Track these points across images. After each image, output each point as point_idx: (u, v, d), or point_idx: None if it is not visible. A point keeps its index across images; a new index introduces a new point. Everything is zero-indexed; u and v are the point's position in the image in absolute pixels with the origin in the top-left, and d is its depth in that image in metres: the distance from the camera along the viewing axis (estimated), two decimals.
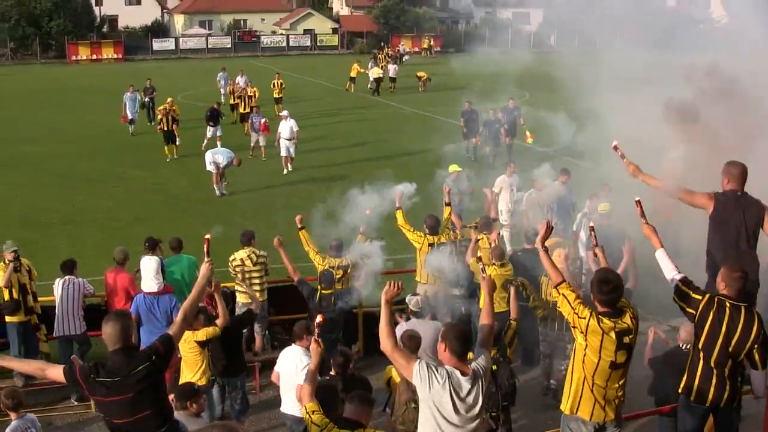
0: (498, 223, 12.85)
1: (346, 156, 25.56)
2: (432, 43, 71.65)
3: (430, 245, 10.53)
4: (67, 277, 10.47)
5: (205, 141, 25.70)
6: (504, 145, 23.41)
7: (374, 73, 42.60)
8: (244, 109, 29.19)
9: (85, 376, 5.19)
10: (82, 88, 46.60)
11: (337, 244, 10.42)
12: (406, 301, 8.99)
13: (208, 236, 6.19)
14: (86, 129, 31.43)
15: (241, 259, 10.82)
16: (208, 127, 26.08)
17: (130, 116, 29.65)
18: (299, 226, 10.46)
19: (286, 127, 23.38)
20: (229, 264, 10.88)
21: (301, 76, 50.45)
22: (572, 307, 5.92)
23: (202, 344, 8.56)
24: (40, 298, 10.75)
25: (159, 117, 25.73)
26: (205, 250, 6.05)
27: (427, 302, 9.22)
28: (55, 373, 5.37)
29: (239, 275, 10.77)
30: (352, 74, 43.40)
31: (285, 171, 23.29)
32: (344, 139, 28.76)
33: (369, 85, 42.59)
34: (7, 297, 10.02)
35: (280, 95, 33.77)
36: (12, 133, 30.06)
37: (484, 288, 5.91)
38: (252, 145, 25.37)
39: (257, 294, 10.52)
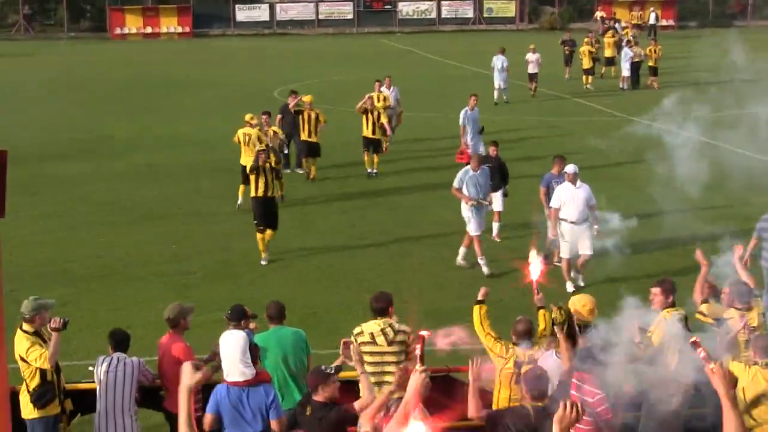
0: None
1: None
2: (658, 13, 70.07)
3: None
4: (115, 355, 10.83)
5: None
6: None
7: (635, 53, 43.01)
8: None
9: None
10: (133, 78, 48.97)
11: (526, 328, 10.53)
12: None
13: (424, 333, 6.47)
14: (143, 139, 32.90)
15: (371, 334, 10.91)
16: None
17: None
18: (479, 298, 11.00)
19: None
20: (353, 339, 10.79)
21: (462, 65, 51.28)
22: None
23: None
24: (68, 385, 11.24)
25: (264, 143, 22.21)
26: (418, 354, 6.36)
27: None
28: None
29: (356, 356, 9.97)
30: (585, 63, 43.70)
31: None
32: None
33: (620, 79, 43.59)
34: (37, 381, 10.45)
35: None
36: (32, 146, 31.21)
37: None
38: None
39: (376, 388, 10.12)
